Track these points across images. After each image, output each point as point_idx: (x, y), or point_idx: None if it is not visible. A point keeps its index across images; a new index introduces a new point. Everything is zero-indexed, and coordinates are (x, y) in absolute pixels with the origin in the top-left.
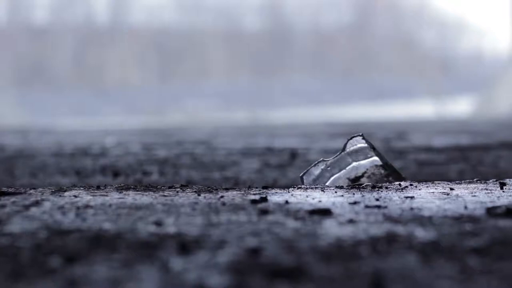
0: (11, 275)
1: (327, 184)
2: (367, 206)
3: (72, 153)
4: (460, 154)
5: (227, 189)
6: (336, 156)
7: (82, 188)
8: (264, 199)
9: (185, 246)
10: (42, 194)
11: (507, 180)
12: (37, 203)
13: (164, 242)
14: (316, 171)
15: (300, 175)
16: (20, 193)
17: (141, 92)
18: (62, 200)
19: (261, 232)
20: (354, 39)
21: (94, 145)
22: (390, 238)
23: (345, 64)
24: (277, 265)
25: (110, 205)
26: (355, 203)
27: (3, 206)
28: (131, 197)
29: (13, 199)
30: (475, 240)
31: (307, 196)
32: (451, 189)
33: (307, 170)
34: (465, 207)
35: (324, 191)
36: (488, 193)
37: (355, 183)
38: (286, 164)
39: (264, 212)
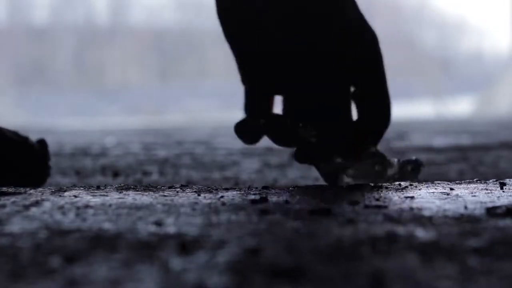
0: (11, 275)
1: None
2: (367, 206)
3: (72, 153)
4: (460, 154)
5: (227, 189)
6: None
7: (82, 188)
8: (264, 199)
9: (185, 246)
10: (42, 194)
11: (507, 180)
12: (37, 203)
13: (164, 242)
14: None
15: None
16: (20, 193)
17: (141, 92)
18: (62, 200)
19: (261, 232)
20: None
21: (94, 145)
22: (390, 238)
23: None
24: (277, 265)
25: (110, 205)
26: (355, 203)
27: (3, 206)
28: (131, 197)
29: (13, 199)
30: (475, 240)
31: None
32: (451, 189)
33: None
34: (465, 207)
35: None
36: (488, 193)
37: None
38: (286, 164)
39: (264, 212)
